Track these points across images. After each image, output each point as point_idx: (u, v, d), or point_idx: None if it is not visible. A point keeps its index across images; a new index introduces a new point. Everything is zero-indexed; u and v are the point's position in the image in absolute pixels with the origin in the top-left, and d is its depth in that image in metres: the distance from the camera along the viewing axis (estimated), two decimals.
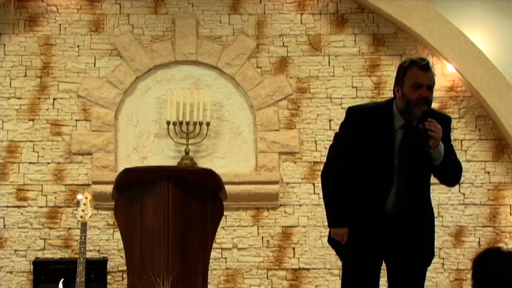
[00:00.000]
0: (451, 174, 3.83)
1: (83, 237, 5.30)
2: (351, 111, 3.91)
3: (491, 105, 6.07)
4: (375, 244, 3.75)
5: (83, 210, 5.36)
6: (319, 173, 6.22)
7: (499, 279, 2.75)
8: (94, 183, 6.10)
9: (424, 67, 3.75)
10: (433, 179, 6.33)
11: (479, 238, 6.19)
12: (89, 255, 5.69)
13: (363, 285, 3.81)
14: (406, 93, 3.74)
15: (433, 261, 6.07)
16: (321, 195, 6.19)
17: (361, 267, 3.79)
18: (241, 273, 6.17)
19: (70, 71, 6.26)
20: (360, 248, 3.77)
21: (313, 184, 6.22)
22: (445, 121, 3.84)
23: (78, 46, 6.28)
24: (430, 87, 3.75)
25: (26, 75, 6.24)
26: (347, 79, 6.31)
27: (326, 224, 6.16)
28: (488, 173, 6.24)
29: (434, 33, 6.14)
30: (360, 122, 3.83)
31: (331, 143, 4.10)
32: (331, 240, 3.95)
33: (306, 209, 6.21)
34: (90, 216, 5.45)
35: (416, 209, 3.76)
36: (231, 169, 6.21)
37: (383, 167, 3.76)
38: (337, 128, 6.24)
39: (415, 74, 3.73)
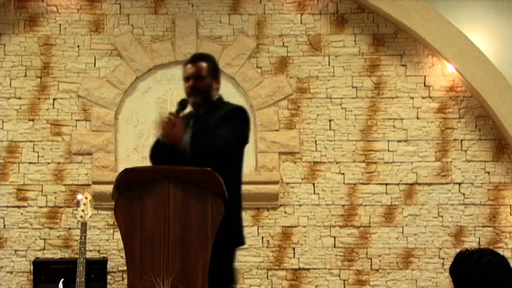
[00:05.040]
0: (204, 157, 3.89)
1: (83, 237, 5.30)
2: None
3: (491, 105, 6.08)
4: None
5: (83, 210, 5.36)
6: (319, 173, 6.28)
7: (482, 277, 2.79)
8: (94, 183, 6.10)
9: (189, 60, 4.09)
10: (432, 180, 6.33)
11: (479, 238, 6.19)
12: (89, 255, 5.69)
13: None
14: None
15: (433, 261, 6.18)
16: (321, 196, 6.26)
17: None
18: (241, 273, 6.17)
19: (70, 71, 6.27)
20: None
21: (313, 184, 6.22)
22: (228, 109, 4.04)
23: (78, 46, 6.29)
24: (197, 76, 4.01)
25: (26, 75, 6.24)
26: (347, 79, 6.31)
27: (326, 224, 6.20)
28: (488, 173, 6.24)
29: (434, 33, 6.15)
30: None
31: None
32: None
33: (306, 209, 6.21)
34: (90, 216, 5.45)
35: None
36: None
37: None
38: (336, 128, 6.31)
39: (184, 69, 4.10)
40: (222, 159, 3.91)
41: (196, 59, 4.12)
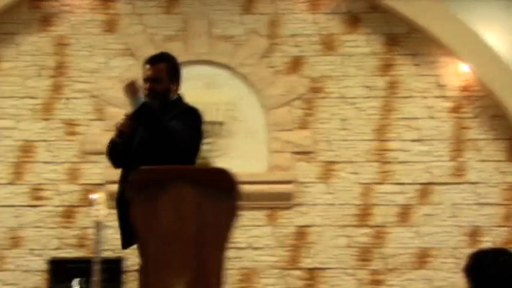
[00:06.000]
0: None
1: (98, 237, 5.31)
2: None
3: (506, 105, 6.06)
4: None
5: (97, 210, 5.37)
6: (334, 172, 6.27)
7: (499, 277, 2.79)
8: (108, 182, 6.11)
9: (148, 60, 3.91)
10: (447, 179, 6.29)
11: (494, 238, 6.16)
12: (104, 254, 5.70)
13: None
14: None
15: (448, 261, 6.15)
16: (335, 195, 6.25)
17: None
18: (256, 272, 6.17)
19: (83, 71, 6.28)
20: None
21: (328, 184, 6.21)
22: (183, 111, 3.98)
23: (92, 46, 6.30)
24: (155, 79, 3.86)
25: (40, 75, 6.26)
26: (360, 79, 6.30)
27: (340, 223, 6.19)
28: (503, 172, 6.21)
29: (448, 32, 6.13)
30: None
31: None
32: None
33: (321, 208, 6.20)
34: (105, 216, 5.46)
35: None
36: (244, 169, 6.18)
37: None
38: (350, 127, 6.29)
39: (143, 69, 3.94)
40: (172, 145, 3.89)
41: (154, 60, 3.93)
